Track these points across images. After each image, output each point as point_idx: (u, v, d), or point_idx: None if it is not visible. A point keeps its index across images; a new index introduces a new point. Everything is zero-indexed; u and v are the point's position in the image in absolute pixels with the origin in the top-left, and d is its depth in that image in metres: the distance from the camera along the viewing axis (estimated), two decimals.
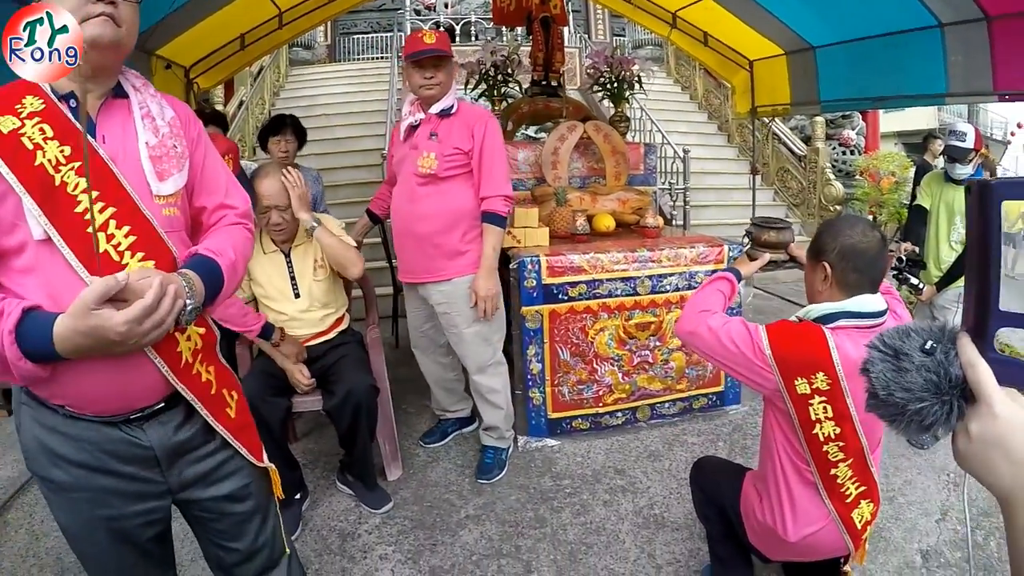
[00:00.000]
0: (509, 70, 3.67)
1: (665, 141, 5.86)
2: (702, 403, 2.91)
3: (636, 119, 6.57)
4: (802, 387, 1.30)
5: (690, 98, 8.88)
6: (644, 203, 3.42)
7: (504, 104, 3.82)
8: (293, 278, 2.28)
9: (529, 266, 2.56)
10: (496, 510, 2.21)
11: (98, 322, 0.86)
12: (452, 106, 2.29)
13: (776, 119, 6.70)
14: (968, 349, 0.48)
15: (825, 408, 1.30)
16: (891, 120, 11.73)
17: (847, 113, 6.87)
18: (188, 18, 3.36)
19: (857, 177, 6.45)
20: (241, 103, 6.62)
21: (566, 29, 10.58)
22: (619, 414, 2.80)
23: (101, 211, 0.98)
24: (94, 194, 0.95)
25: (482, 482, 2.41)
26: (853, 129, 7.16)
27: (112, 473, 1.06)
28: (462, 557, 1.95)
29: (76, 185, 0.97)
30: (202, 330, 1.12)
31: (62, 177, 0.96)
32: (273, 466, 1.31)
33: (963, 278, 2.35)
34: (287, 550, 1.36)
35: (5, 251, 0.95)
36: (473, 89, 3.69)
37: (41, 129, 0.97)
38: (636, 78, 3.79)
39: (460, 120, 2.27)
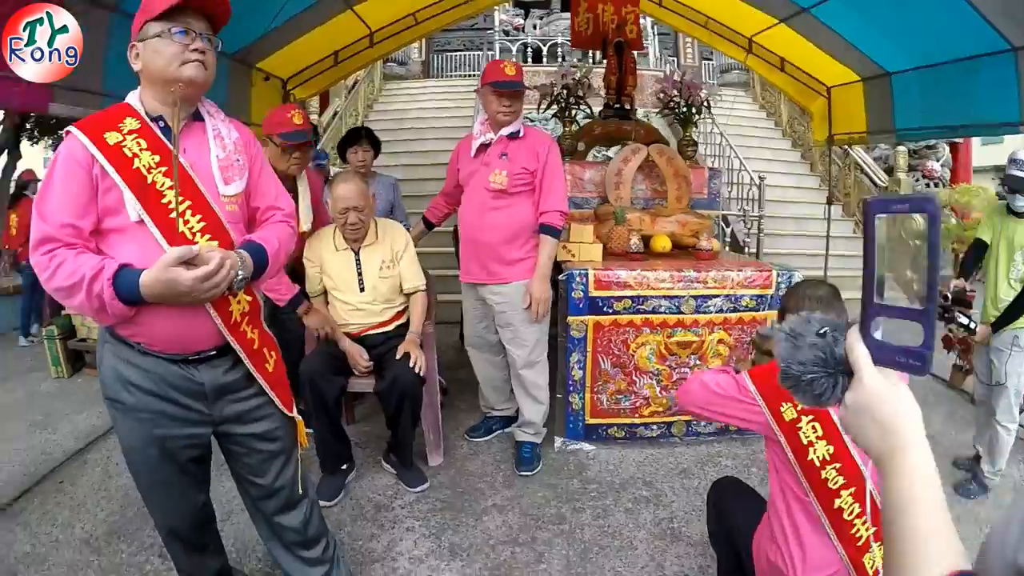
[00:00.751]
0: (580, 93, 3.83)
1: (742, 167, 5.77)
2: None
3: (715, 144, 6.52)
4: (788, 412, 1.35)
5: (775, 124, 8.64)
6: (703, 226, 3.45)
7: (574, 125, 3.98)
8: (360, 273, 2.55)
9: (577, 278, 2.69)
10: (522, 503, 2.35)
11: (174, 276, 1.18)
12: (519, 130, 2.51)
13: (857, 148, 6.40)
14: (851, 334, 0.58)
15: (814, 427, 1.34)
16: (988, 153, 10.68)
17: (931, 143, 6.43)
18: (285, 35, 3.78)
19: (944, 212, 6.01)
20: (336, 113, 7.24)
21: (652, 52, 10.66)
22: (654, 427, 2.85)
23: (181, 203, 1.29)
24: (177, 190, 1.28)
25: (524, 474, 2.57)
26: (937, 160, 6.67)
27: (170, 400, 1.36)
28: (480, 539, 2.11)
29: (163, 184, 1.29)
30: (249, 298, 1.44)
31: (152, 177, 1.29)
32: (300, 417, 1.57)
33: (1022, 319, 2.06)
34: (306, 497, 1.61)
35: (109, 229, 1.28)
36: (545, 110, 3.88)
37: (138, 143, 1.30)
38: (704, 103, 3.83)
39: (527, 143, 2.49)
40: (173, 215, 1.27)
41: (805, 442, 1.34)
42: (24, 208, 5.08)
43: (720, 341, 2.80)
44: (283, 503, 1.57)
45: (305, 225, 2.56)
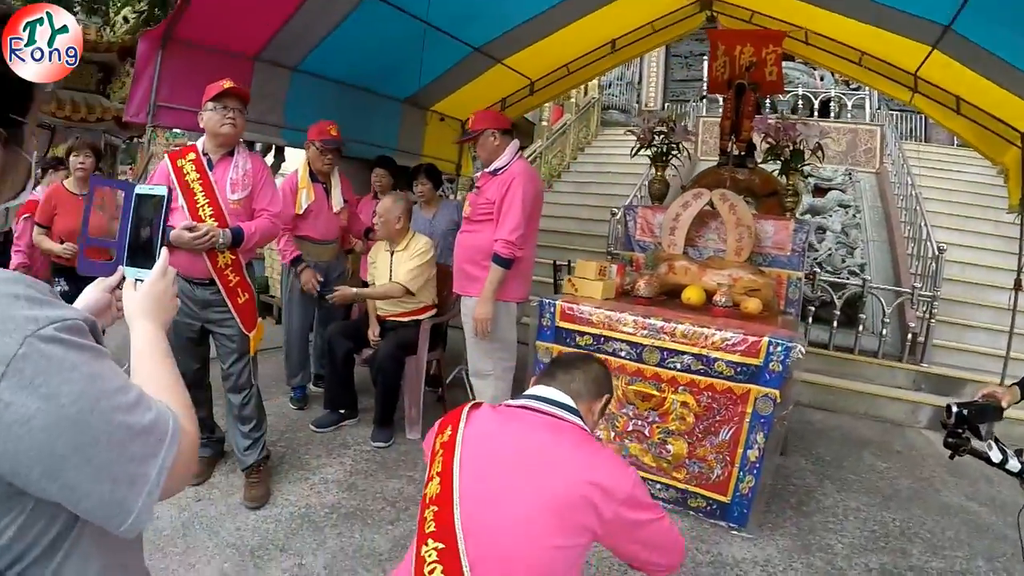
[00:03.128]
0: (669, 138, 3.83)
1: (927, 235, 4.51)
2: (699, 504, 2.56)
3: (910, 208, 5.21)
4: (441, 438, 1.25)
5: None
6: (759, 284, 3.10)
7: (666, 169, 3.97)
8: (391, 270, 3.25)
9: (547, 307, 2.85)
10: None
11: (179, 232, 2.16)
12: (503, 166, 2.79)
13: None
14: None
15: (439, 461, 1.20)
16: None
17: None
18: (448, 85, 4.71)
19: None
20: (536, 152, 8.16)
21: (873, 97, 8.82)
22: None
23: (204, 199, 2.31)
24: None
25: None
26: None
27: (181, 300, 2.40)
28: (380, 498, 2.53)
29: (198, 189, 2.32)
30: (231, 257, 2.35)
31: (192, 185, 2.30)
32: (253, 333, 2.43)
33: None
34: (249, 388, 2.45)
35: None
36: (635, 153, 3.98)
37: (193, 164, 2.32)
38: (815, 146, 3.38)
39: (501, 178, 2.76)
40: (198, 206, 2.30)
41: (431, 474, 1.21)
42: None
43: (684, 404, 2.56)
44: (233, 385, 2.45)
45: (336, 208, 3.41)
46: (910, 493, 3.03)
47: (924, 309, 4.32)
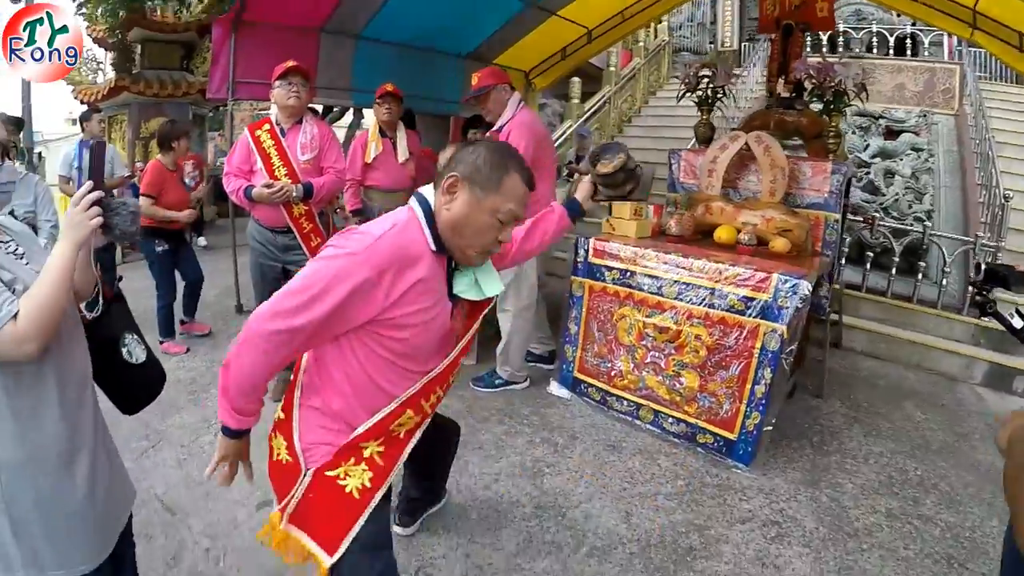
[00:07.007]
0: (714, 83, 3.83)
1: (995, 182, 4.16)
2: (707, 440, 2.71)
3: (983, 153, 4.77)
4: None
5: None
6: (791, 225, 3.16)
7: (711, 112, 3.99)
8: None
9: (581, 244, 3.10)
10: (475, 410, 3.02)
11: (260, 190, 2.65)
12: (506, 122, 2.98)
13: None
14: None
15: None
16: None
17: None
18: (510, 38, 4.88)
19: None
20: (604, 98, 8.08)
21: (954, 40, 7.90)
22: (624, 402, 2.99)
23: (279, 161, 2.73)
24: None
25: (471, 384, 3.25)
26: None
27: (265, 246, 2.81)
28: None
29: (273, 154, 2.75)
30: (305, 208, 2.79)
31: (269, 151, 2.73)
32: None
33: None
34: None
35: (248, 173, 2.78)
36: (680, 98, 4.01)
37: (268, 133, 2.74)
38: (859, 86, 3.31)
39: (501, 134, 2.93)
40: (274, 167, 2.75)
41: None
42: None
43: (697, 337, 2.73)
44: None
45: (401, 158, 3.69)
46: (941, 446, 2.97)
47: (987, 260, 4.09)
